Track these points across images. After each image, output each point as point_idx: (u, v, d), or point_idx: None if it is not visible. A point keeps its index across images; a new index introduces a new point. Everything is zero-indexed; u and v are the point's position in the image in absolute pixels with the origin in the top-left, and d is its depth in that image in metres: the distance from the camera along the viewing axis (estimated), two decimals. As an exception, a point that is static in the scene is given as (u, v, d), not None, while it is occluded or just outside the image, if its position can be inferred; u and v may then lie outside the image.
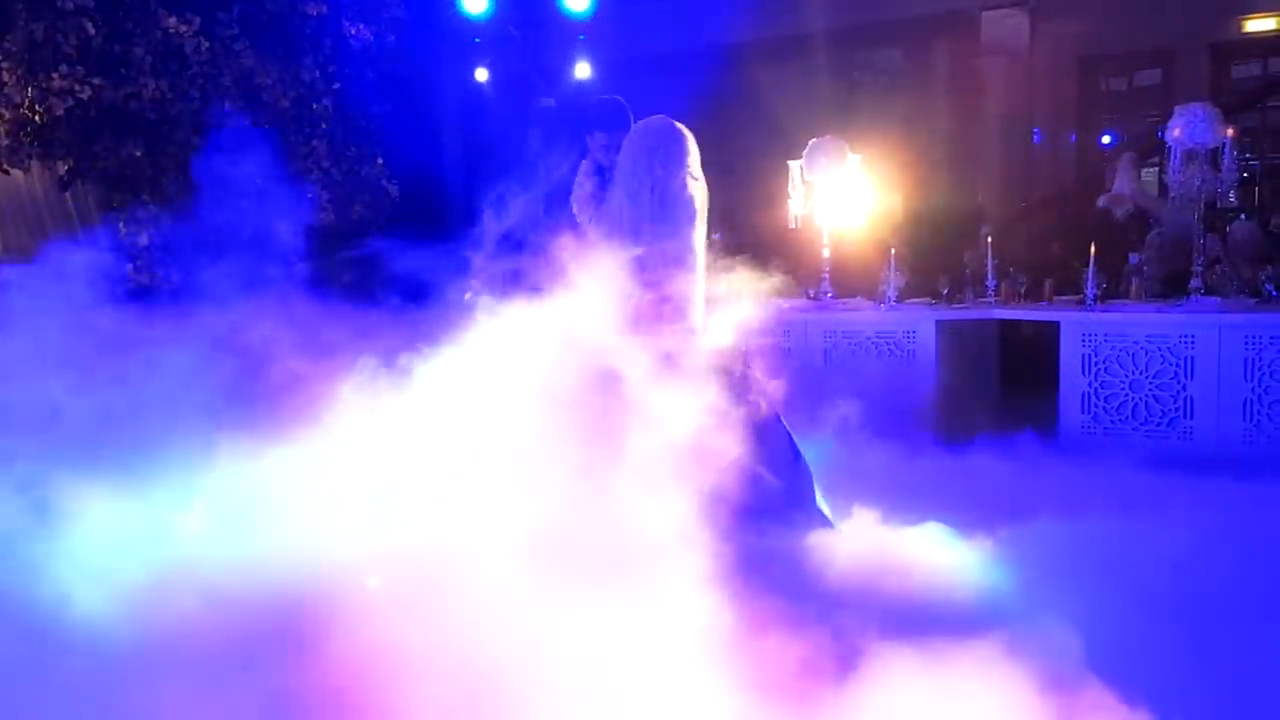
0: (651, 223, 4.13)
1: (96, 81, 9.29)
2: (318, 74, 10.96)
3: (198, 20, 9.77)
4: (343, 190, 11.38)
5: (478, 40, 12.88)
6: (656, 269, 4.11)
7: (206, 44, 9.89)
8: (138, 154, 9.74)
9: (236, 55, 10.20)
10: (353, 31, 11.18)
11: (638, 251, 4.10)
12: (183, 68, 9.88)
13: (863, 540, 4.25)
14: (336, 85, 11.19)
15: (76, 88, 9.16)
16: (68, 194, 9.82)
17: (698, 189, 4.29)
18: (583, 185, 4.56)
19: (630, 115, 4.58)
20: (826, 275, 7.99)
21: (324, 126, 11.19)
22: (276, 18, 10.53)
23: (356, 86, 11.44)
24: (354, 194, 11.50)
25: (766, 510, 4.01)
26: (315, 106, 11.05)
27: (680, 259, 4.18)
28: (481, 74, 13.13)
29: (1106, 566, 3.88)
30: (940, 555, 4.18)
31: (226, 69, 10.15)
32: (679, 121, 4.41)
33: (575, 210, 4.54)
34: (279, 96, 10.61)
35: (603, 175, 4.58)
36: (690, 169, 4.25)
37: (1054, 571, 3.85)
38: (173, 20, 9.61)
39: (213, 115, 10.17)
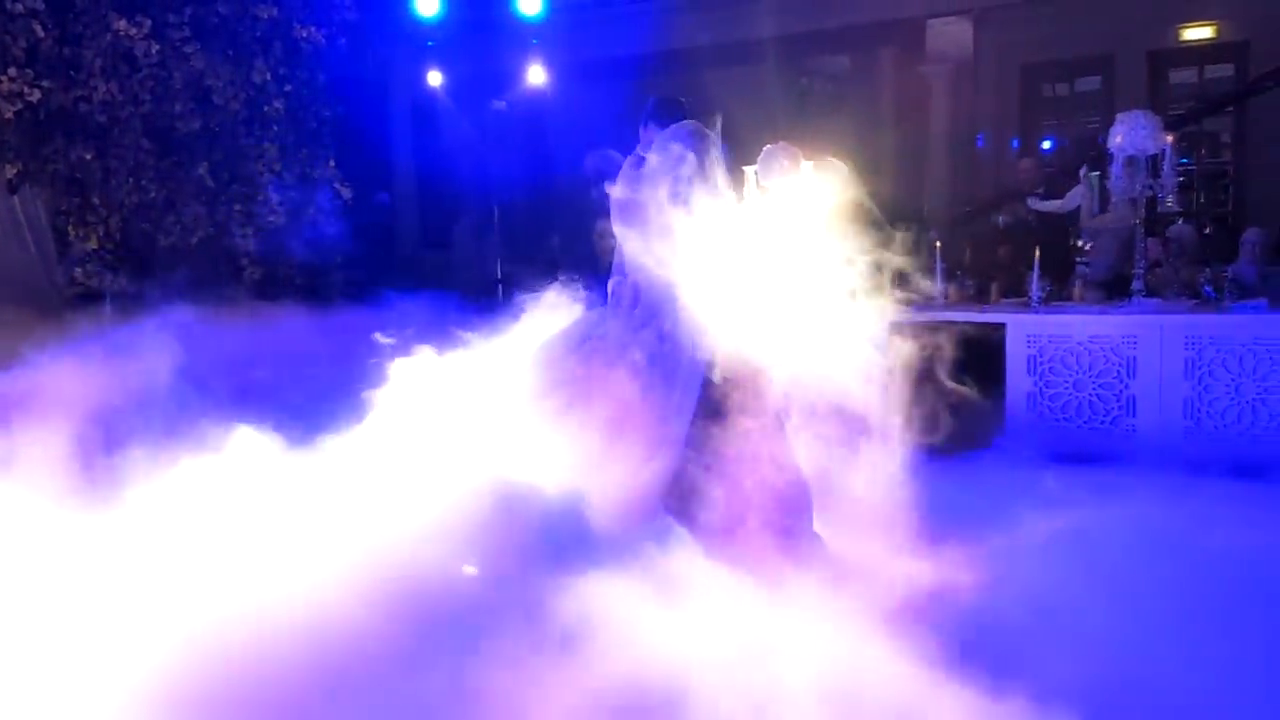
0: (669, 222, 4.16)
1: (46, 84, 9.20)
2: (269, 76, 10.91)
3: (148, 23, 9.70)
4: (294, 192, 11.35)
5: (430, 43, 12.89)
6: (673, 269, 4.17)
7: (157, 47, 9.82)
8: (88, 157, 9.65)
9: (187, 58, 10.13)
10: (304, 34, 11.13)
11: (661, 249, 4.16)
12: (133, 70, 9.80)
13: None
14: (288, 88, 11.15)
15: (25, 90, 9.06)
16: (16, 198, 9.68)
17: (723, 193, 4.32)
18: (623, 173, 4.54)
19: (686, 118, 4.52)
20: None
21: (275, 129, 11.15)
22: (227, 20, 10.46)
23: (308, 89, 11.42)
24: (306, 196, 11.48)
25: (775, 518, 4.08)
26: (267, 109, 11.00)
27: (697, 260, 4.22)
28: (434, 77, 13.14)
29: (1055, 561, 4.02)
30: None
31: (177, 72, 10.08)
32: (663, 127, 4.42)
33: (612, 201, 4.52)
34: (230, 99, 10.56)
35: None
36: (716, 173, 4.27)
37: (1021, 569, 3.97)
38: (123, 23, 9.53)
39: (163, 118, 10.13)
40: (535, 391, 4.25)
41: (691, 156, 4.17)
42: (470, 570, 3.47)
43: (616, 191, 4.45)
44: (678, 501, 4.02)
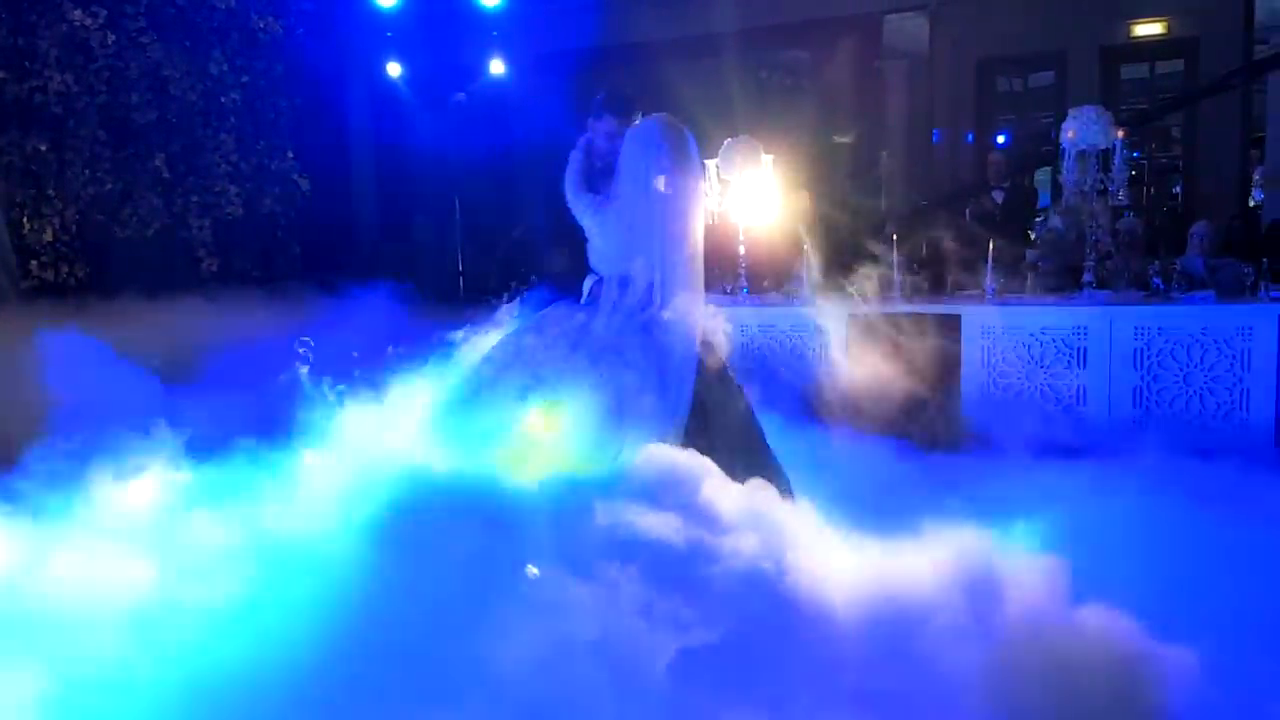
0: (653, 216, 4.24)
1: (0, 75, 9.14)
2: (226, 67, 10.90)
3: (104, 13, 9.67)
4: (252, 184, 11.32)
5: (389, 34, 12.85)
6: (659, 261, 4.25)
7: (113, 37, 9.80)
8: (43, 148, 9.60)
9: (144, 48, 10.10)
10: (261, 25, 11.11)
11: (642, 242, 4.24)
12: (89, 61, 9.76)
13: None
14: (245, 78, 11.13)
15: (-22, 81, 9.02)
16: (-31, 190, 9.62)
17: (698, 184, 4.39)
18: (573, 166, 4.56)
19: (639, 110, 4.54)
20: (743, 271, 8.18)
21: (233, 120, 11.13)
22: (184, 11, 10.44)
23: (266, 80, 11.39)
24: (263, 187, 11.44)
25: None
26: (224, 100, 10.99)
27: (680, 251, 4.30)
28: (394, 68, 13.10)
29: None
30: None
31: (133, 62, 10.05)
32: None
33: (569, 193, 4.55)
34: (187, 90, 10.55)
35: (594, 158, 4.57)
36: (692, 165, 4.34)
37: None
38: (78, 13, 9.50)
39: (119, 109, 10.08)
40: (508, 389, 4.28)
41: (668, 148, 4.25)
42: (533, 571, 3.45)
43: (571, 187, 4.51)
44: None
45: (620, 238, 4.31)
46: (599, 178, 4.50)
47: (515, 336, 4.52)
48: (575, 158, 4.56)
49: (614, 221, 4.32)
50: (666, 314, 4.24)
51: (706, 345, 4.41)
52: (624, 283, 4.30)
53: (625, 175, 4.31)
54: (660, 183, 4.21)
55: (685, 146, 4.31)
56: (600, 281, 4.40)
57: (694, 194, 4.34)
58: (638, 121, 4.44)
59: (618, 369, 4.19)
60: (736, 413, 4.43)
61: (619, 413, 4.09)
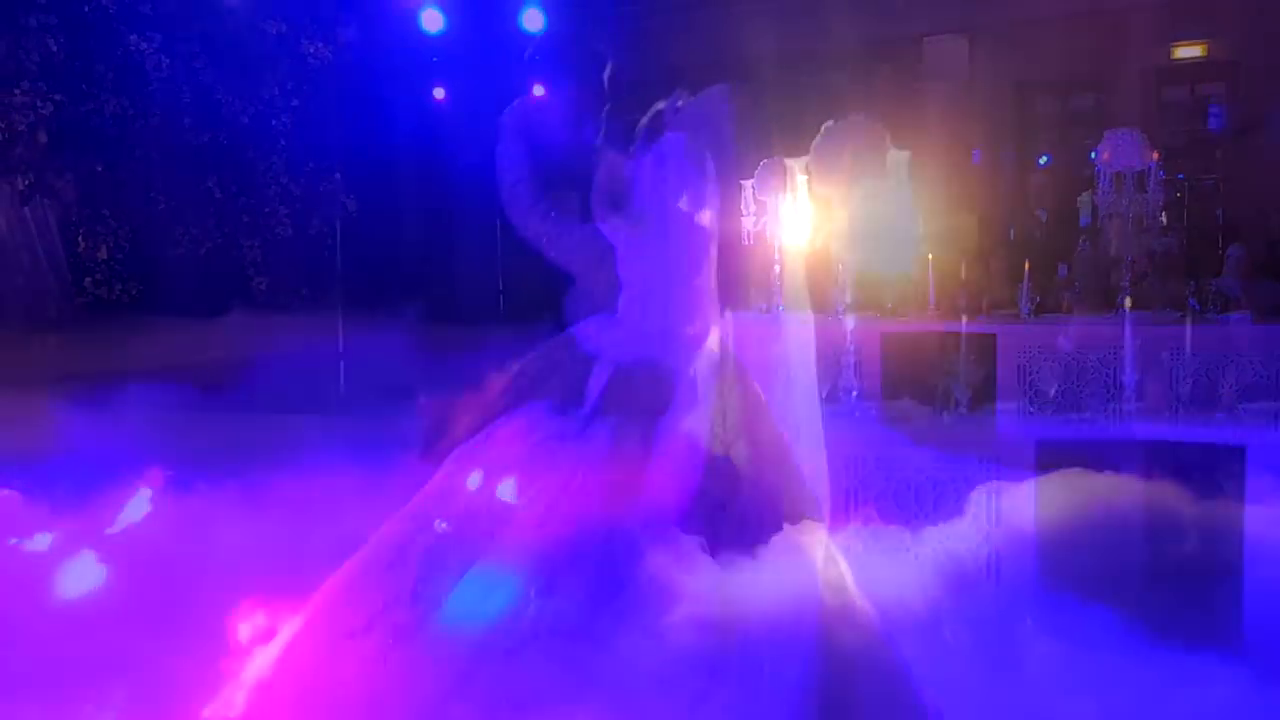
0: (680, 230, 4.34)
1: (58, 97, 9.42)
2: (276, 91, 11.14)
3: (159, 38, 9.94)
4: (301, 205, 11.56)
5: (435, 59, 13.07)
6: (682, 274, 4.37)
7: (167, 61, 10.06)
8: (99, 169, 9.86)
9: (197, 73, 10.37)
10: (311, 50, 11.36)
11: (667, 257, 4.35)
12: (143, 84, 10.03)
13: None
14: (295, 102, 11.37)
15: (38, 104, 9.28)
16: (27, 208, 9.88)
17: (714, 196, 4.46)
18: (601, 188, 4.60)
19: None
20: (779, 289, 8.24)
21: (283, 143, 11.37)
22: (236, 36, 10.70)
23: (315, 103, 11.62)
24: (312, 208, 11.68)
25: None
26: (274, 123, 11.23)
27: (702, 262, 4.41)
28: (439, 92, 13.31)
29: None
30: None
31: (187, 86, 10.31)
32: None
33: (601, 214, 4.59)
34: (238, 113, 10.78)
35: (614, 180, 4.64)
36: (707, 178, 4.40)
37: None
38: (134, 38, 9.77)
39: (173, 131, 10.34)
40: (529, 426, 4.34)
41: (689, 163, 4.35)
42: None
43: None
44: (705, 518, 4.08)
45: (646, 254, 4.38)
46: (619, 198, 4.51)
47: (547, 351, 4.59)
48: (601, 179, 4.60)
49: (640, 238, 4.39)
50: (694, 325, 4.32)
51: (724, 348, 4.49)
52: (648, 296, 4.37)
53: (648, 192, 4.35)
54: (684, 199, 4.32)
55: (702, 161, 4.41)
56: (628, 298, 4.45)
57: (710, 205, 4.40)
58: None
59: (653, 383, 4.27)
60: (759, 412, 4.50)
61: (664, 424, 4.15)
